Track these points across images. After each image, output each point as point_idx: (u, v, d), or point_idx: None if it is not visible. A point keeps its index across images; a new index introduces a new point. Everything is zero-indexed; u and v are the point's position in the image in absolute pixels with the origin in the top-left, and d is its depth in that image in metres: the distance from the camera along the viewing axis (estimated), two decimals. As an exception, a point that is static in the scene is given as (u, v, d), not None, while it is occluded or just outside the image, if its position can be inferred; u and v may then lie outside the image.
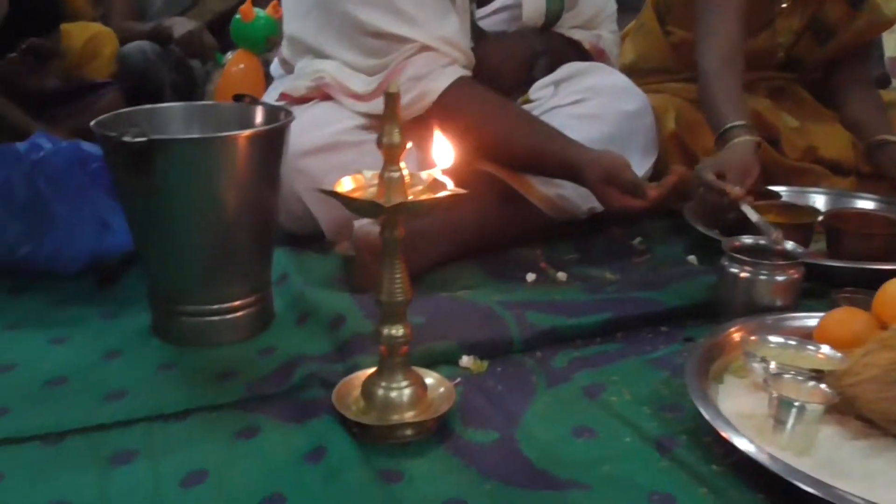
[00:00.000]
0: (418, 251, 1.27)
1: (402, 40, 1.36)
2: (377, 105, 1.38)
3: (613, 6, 1.74)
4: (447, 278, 1.32)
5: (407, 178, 0.86)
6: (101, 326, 1.18)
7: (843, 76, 1.77)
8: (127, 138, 0.99)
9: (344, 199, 0.84)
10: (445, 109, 1.35)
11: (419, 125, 1.33)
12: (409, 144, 0.86)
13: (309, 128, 1.39)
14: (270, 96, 1.59)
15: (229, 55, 2.61)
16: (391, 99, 0.85)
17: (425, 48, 1.37)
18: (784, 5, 1.69)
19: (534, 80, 1.59)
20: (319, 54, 1.46)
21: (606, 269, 1.36)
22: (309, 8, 1.45)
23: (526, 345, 1.08)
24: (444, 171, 0.88)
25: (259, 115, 1.19)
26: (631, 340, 1.12)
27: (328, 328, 1.11)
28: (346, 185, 0.88)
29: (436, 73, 1.36)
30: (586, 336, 1.12)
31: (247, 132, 1.05)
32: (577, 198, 1.44)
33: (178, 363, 1.06)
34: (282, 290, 1.23)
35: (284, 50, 1.60)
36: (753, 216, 1.26)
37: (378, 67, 1.39)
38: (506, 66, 1.57)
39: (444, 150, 0.89)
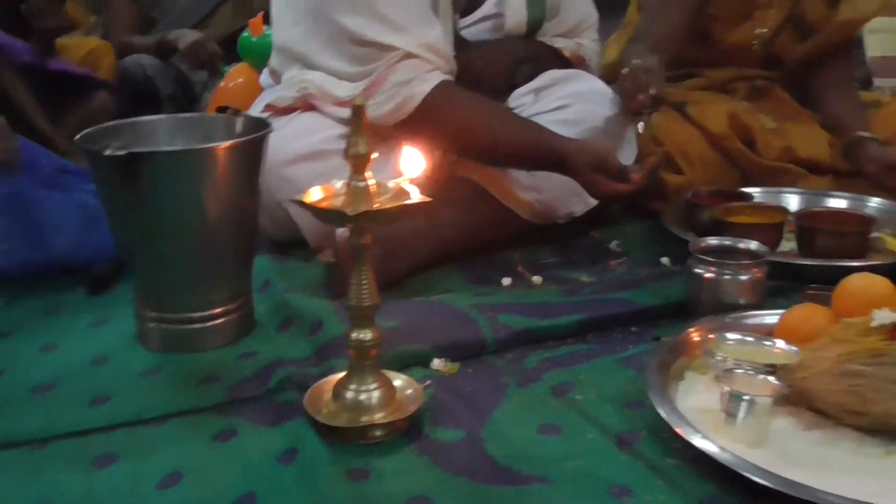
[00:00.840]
0: (398, 257, 1.32)
1: (386, 48, 1.39)
2: None
3: (595, 15, 1.78)
4: (427, 283, 1.35)
5: (373, 188, 0.89)
6: (91, 333, 1.22)
7: (824, 76, 1.80)
8: (108, 152, 1.03)
9: (311, 208, 0.87)
10: (429, 112, 1.38)
11: (403, 131, 1.37)
12: (375, 154, 0.89)
13: (293, 137, 1.43)
14: (256, 108, 1.62)
15: (231, 68, 2.64)
16: (357, 111, 0.88)
17: (409, 56, 1.40)
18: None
19: (516, 86, 1.63)
20: (307, 63, 1.49)
21: (583, 271, 1.39)
22: (300, 17, 1.47)
23: (499, 346, 1.12)
24: (424, 179, 0.91)
25: (241, 127, 1.22)
26: (602, 341, 1.15)
27: (307, 333, 1.15)
28: (315, 194, 0.91)
29: (419, 79, 1.39)
30: (558, 337, 1.15)
31: (225, 144, 1.09)
32: (556, 202, 1.47)
33: (162, 369, 1.10)
34: (264, 297, 1.27)
35: (273, 60, 1.63)
36: (641, 129, 1.39)
37: (362, 74, 1.42)
38: (488, 73, 1.60)
39: (412, 160, 0.92)
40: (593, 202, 1.51)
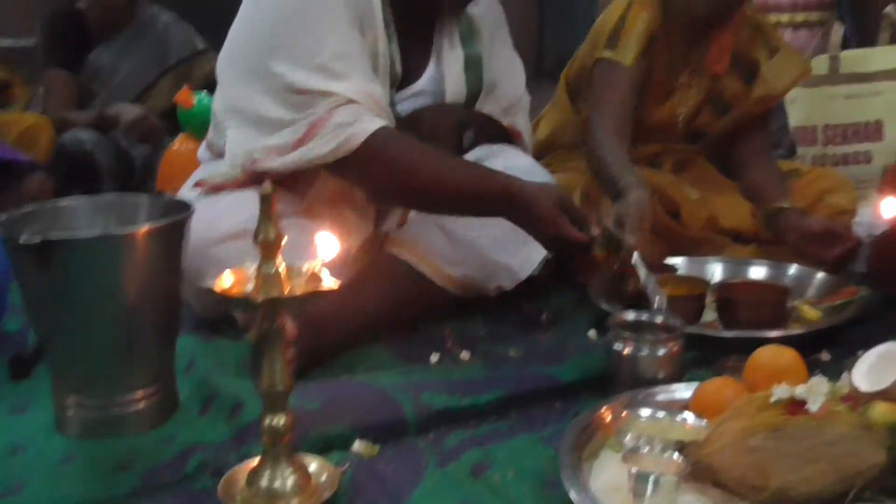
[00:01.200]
0: (325, 335, 1.31)
1: (328, 94, 1.37)
2: (304, 153, 1.38)
3: (528, 99, 1.80)
4: (354, 360, 1.35)
5: (284, 272, 0.90)
6: (9, 421, 1.19)
7: (742, 147, 1.87)
8: (23, 239, 1.03)
9: (218, 296, 0.88)
10: (372, 151, 1.35)
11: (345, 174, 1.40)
12: (286, 240, 0.90)
13: (223, 215, 1.42)
14: (188, 184, 1.62)
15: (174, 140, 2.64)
16: (266, 199, 0.90)
17: (350, 101, 1.38)
18: (682, 80, 1.80)
19: (463, 150, 1.63)
20: (250, 117, 1.45)
21: (512, 345, 1.40)
22: (244, 73, 1.46)
23: (420, 426, 1.12)
24: (352, 257, 0.92)
25: (163, 208, 1.22)
26: (524, 417, 1.16)
27: (227, 416, 1.14)
28: (226, 280, 0.92)
29: (362, 120, 1.36)
30: (481, 415, 1.16)
31: (142, 229, 1.09)
32: (484, 278, 1.49)
33: (79, 456, 1.08)
34: (188, 378, 1.25)
35: (211, 131, 1.61)
36: (642, 272, 1.31)
37: (302, 119, 1.39)
38: (435, 134, 1.59)
39: (327, 243, 0.93)
40: (523, 276, 1.52)
